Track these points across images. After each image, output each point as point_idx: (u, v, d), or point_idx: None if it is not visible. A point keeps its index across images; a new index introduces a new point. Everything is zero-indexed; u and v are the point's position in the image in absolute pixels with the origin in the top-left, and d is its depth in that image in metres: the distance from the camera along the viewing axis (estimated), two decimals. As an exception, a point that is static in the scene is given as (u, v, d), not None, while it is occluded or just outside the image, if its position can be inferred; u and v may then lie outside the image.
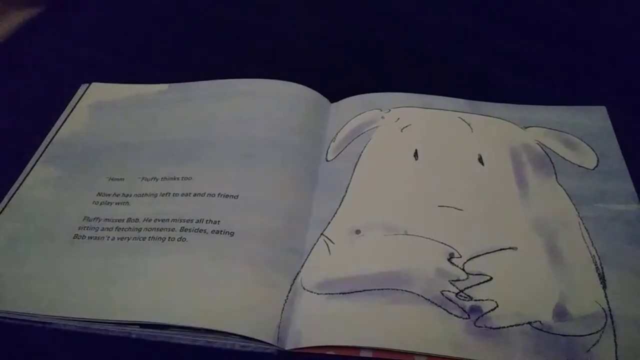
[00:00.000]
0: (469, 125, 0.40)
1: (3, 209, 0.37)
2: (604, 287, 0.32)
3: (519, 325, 0.30)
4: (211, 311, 0.31)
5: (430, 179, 0.37)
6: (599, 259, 0.33)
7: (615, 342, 0.30)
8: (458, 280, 0.32)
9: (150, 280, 0.33)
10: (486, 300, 0.31)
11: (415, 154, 0.39)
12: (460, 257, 0.33)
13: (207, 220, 0.35)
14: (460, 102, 0.42)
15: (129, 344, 0.31)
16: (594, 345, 0.30)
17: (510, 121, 0.41)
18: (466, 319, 0.31)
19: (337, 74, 0.47)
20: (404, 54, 0.48)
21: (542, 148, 0.39)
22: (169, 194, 0.37)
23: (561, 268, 0.33)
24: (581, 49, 0.48)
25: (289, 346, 0.30)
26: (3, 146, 0.42)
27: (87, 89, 0.46)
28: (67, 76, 0.48)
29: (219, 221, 0.35)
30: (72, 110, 0.44)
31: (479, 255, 0.33)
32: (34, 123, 0.43)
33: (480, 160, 0.38)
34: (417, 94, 0.42)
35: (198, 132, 0.41)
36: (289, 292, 0.32)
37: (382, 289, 0.32)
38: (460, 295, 0.32)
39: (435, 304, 0.31)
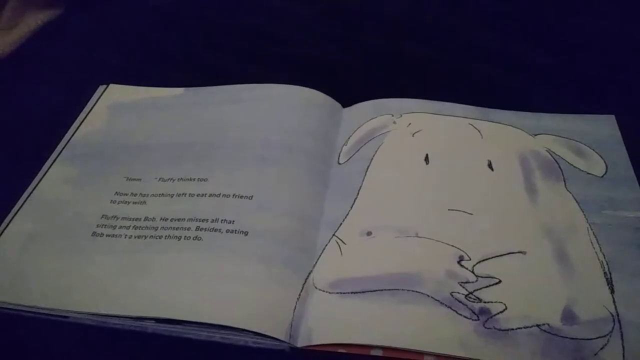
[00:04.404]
0: (479, 131, 0.41)
1: (21, 206, 0.38)
2: (612, 292, 0.32)
3: (527, 327, 0.31)
4: (225, 308, 0.32)
5: (440, 183, 0.38)
6: (607, 264, 0.33)
7: (622, 345, 0.30)
8: (467, 282, 0.33)
9: (166, 277, 0.33)
10: (495, 302, 0.32)
11: (426, 159, 0.39)
12: (470, 259, 0.34)
13: (222, 220, 0.36)
14: (471, 109, 0.43)
15: (145, 338, 0.32)
16: (601, 348, 0.30)
17: (519, 128, 0.41)
18: (475, 320, 0.31)
19: (350, 80, 0.48)
20: (415, 61, 0.49)
21: (551, 155, 0.39)
22: (185, 194, 0.38)
23: (569, 272, 0.33)
24: (591, 57, 0.48)
25: (300, 343, 0.31)
26: (21, 145, 0.43)
27: (104, 90, 0.47)
28: (84, 78, 0.49)
29: (233, 221, 0.36)
30: (90, 111, 0.45)
31: (488, 259, 0.34)
32: (52, 123, 0.44)
33: (490, 166, 0.39)
34: (428, 100, 0.43)
35: (213, 135, 0.42)
36: (301, 291, 0.33)
37: (393, 289, 0.32)
38: (470, 297, 0.32)
39: (445, 305, 0.32)
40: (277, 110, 0.43)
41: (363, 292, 0.33)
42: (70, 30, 0.55)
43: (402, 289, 0.32)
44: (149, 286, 0.33)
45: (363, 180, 0.38)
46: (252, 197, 0.37)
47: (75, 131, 0.43)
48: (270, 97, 0.44)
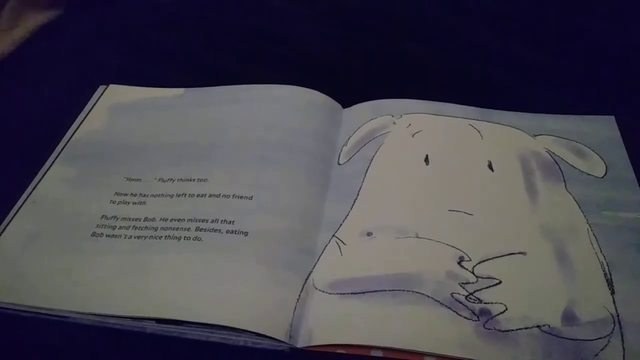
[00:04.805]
0: (479, 132, 0.41)
1: (21, 206, 0.38)
2: (612, 293, 0.32)
3: (527, 328, 0.31)
4: (225, 308, 0.32)
5: (440, 183, 0.38)
6: (607, 265, 0.33)
7: (623, 347, 0.30)
8: (468, 283, 0.33)
9: (166, 278, 0.33)
10: (495, 303, 0.32)
11: (426, 159, 0.39)
12: (470, 260, 0.34)
13: (222, 221, 0.36)
14: (471, 110, 0.43)
15: (144, 338, 0.32)
16: (602, 349, 0.30)
17: (519, 129, 0.41)
18: (475, 321, 0.31)
19: (350, 80, 0.48)
20: (415, 61, 0.49)
21: (551, 156, 0.39)
22: (185, 194, 0.38)
23: (570, 273, 0.33)
24: (591, 58, 0.48)
25: (300, 344, 0.31)
26: (21, 145, 0.43)
27: (104, 90, 0.47)
28: (83, 78, 0.49)
29: (233, 221, 0.36)
30: (89, 111, 0.45)
31: (489, 259, 0.34)
32: (51, 123, 0.44)
33: (490, 166, 0.39)
34: (428, 101, 0.43)
35: (214, 136, 0.42)
36: (301, 292, 0.33)
37: (393, 290, 0.32)
38: (470, 298, 0.32)
39: (445, 306, 0.32)
40: (277, 111, 0.43)
41: (363, 292, 0.33)
42: (70, 30, 0.55)
43: (402, 290, 0.32)
44: (149, 286, 0.33)
45: (363, 181, 0.38)
46: (252, 197, 0.37)
47: (75, 131, 0.43)
48: (271, 97, 0.44)
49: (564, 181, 0.38)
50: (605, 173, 0.38)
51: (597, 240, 0.35)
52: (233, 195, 0.37)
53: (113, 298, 0.33)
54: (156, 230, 0.36)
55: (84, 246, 0.36)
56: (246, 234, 0.35)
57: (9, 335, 0.33)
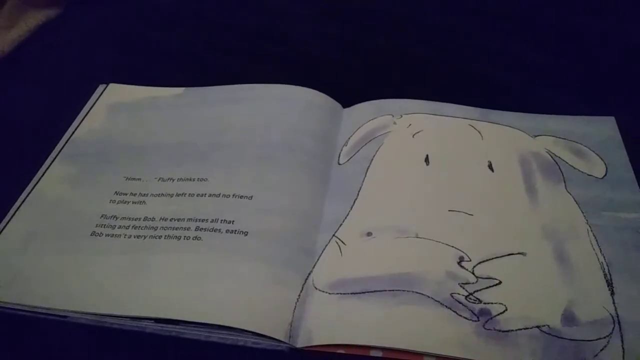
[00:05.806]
0: (479, 132, 0.41)
1: (20, 205, 0.38)
2: (612, 294, 0.32)
3: (527, 328, 0.31)
4: (224, 308, 0.32)
5: (440, 184, 0.38)
6: (607, 265, 0.33)
7: (622, 347, 0.30)
8: (467, 283, 0.33)
9: (165, 277, 0.33)
10: (495, 303, 0.32)
11: (426, 160, 0.39)
12: (470, 260, 0.34)
13: (221, 220, 0.36)
14: (471, 110, 0.43)
15: (143, 338, 0.32)
16: (601, 350, 0.30)
17: (520, 129, 0.41)
18: (475, 321, 0.31)
19: (350, 80, 0.48)
20: (416, 61, 0.49)
21: (551, 156, 0.39)
22: (185, 194, 0.38)
23: (570, 274, 0.33)
24: (591, 59, 0.48)
25: (300, 344, 0.31)
26: (21, 144, 0.43)
27: (104, 89, 0.47)
28: (83, 77, 0.49)
29: (233, 221, 0.36)
30: (89, 110, 0.45)
31: (489, 260, 0.34)
32: (51, 122, 0.44)
33: (490, 166, 0.39)
34: (428, 101, 0.43)
35: (213, 135, 0.42)
36: (300, 292, 0.33)
37: (393, 290, 0.32)
38: (470, 298, 0.32)
39: (445, 306, 0.32)
40: (277, 111, 0.43)
41: (363, 292, 0.32)
42: (70, 29, 0.55)
43: (402, 290, 0.32)
44: (148, 286, 0.33)
45: (363, 181, 0.38)
46: (252, 197, 0.37)
47: (75, 130, 0.43)
48: (271, 97, 0.44)
49: (564, 182, 0.38)
50: (605, 174, 0.38)
51: (596, 240, 0.35)
52: (233, 195, 0.37)
53: (112, 297, 0.33)
54: (156, 229, 0.36)
55: (83, 245, 0.36)
56: (246, 233, 0.35)
57: (8, 335, 0.33)
